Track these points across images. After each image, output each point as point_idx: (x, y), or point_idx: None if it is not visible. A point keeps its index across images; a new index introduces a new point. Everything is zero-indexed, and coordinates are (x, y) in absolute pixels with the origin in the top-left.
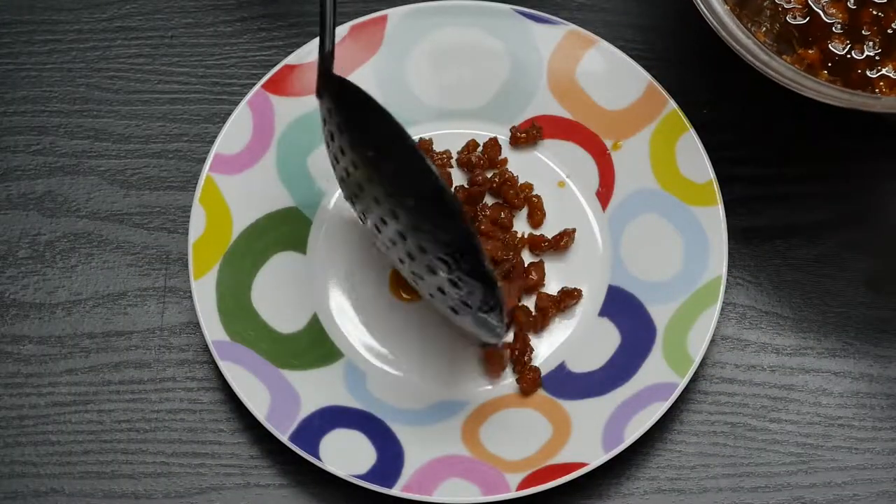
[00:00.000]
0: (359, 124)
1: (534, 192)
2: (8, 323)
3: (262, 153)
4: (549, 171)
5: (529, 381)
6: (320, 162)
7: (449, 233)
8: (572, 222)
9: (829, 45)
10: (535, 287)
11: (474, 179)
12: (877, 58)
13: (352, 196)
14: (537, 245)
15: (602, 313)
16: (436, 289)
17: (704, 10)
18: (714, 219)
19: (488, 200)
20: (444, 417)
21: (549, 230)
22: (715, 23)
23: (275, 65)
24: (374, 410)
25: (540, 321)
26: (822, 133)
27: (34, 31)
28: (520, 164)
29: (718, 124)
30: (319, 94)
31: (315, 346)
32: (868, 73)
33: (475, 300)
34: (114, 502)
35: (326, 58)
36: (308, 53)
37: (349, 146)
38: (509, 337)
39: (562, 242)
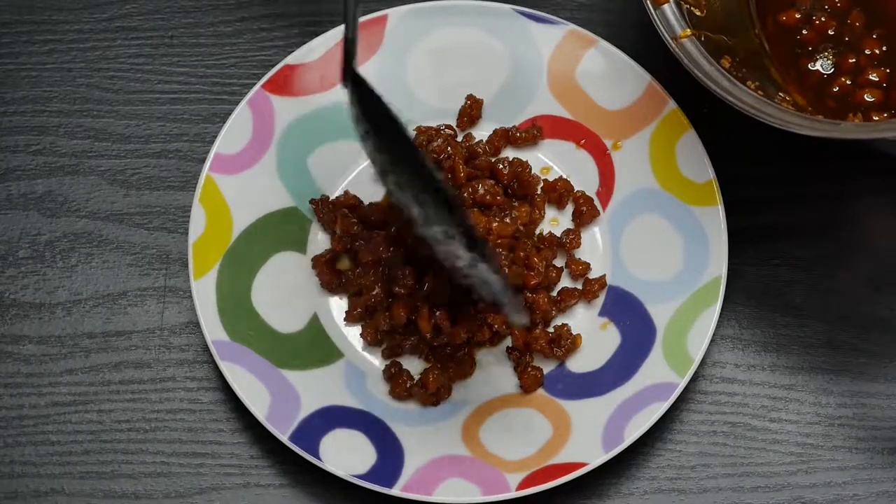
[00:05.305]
0: (372, 123)
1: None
2: (8, 323)
3: (262, 153)
4: (549, 171)
5: (530, 380)
6: (320, 162)
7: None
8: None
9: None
10: (552, 284)
11: (479, 164)
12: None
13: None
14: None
15: (602, 313)
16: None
17: (666, 35)
18: (714, 219)
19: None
20: (444, 417)
21: (547, 230)
22: (676, 48)
23: (275, 65)
24: (374, 410)
25: (542, 323)
26: None
27: (34, 31)
28: None
29: (718, 124)
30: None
31: (315, 346)
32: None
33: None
34: (114, 502)
35: (348, 46)
36: (308, 53)
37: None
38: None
39: (570, 241)
